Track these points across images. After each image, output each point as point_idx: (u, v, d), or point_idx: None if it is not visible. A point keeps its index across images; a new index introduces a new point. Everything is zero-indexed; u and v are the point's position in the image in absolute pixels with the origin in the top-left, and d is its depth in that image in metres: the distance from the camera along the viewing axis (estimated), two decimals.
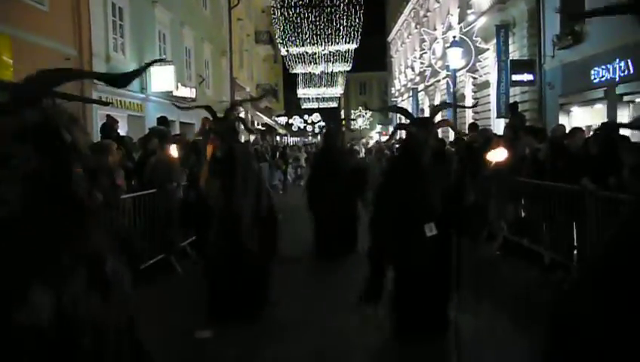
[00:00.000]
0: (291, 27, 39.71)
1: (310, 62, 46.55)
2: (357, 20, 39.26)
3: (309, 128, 53.56)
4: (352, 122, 38.85)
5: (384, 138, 33.73)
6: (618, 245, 1.69)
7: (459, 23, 21.73)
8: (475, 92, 20.06)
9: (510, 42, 16.00)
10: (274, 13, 38.83)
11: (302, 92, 53.48)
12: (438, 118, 5.01)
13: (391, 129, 32.86)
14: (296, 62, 46.02)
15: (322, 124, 48.14)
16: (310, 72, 49.41)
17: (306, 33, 40.46)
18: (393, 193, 4.59)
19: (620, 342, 1.54)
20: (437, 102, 24.62)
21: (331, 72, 49.48)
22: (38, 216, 1.56)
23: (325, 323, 5.01)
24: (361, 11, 38.54)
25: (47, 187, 1.58)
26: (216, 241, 5.03)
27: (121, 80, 1.96)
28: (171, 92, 17.05)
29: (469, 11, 20.06)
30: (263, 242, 5.16)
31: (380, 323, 4.79)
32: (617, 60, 11.38)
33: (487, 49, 18.08)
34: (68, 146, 1.69)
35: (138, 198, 6.61)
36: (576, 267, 5.88)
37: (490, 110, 17.85)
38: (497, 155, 7.79)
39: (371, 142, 33.08)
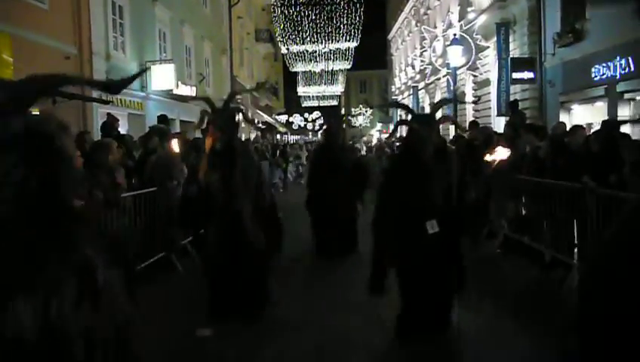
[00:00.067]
0: (291, 25, 39.75)
1: (310, 61, 46.58)
2: (357, 18, 39.31)
3: (309, 126, 53.55)
4: (353, 119, 38.85)
5: (384, 136, 33.72)
6: (618, 245, 1.69)
7: (459, 21, 21.70)
8: (475, 90, 20.05)
9: (511, 40, 15.98)
10: (274, 11, 38.84)
11: (302, 90, 53.49)
12: (438, 114, 4.96)
13: (391, 127, 32.85)
14: (296, 60, 46.04)
15: (322, 122, 48.15)
16: (310, 70, 49.43)
17: (306, 31, 40.50)
18: (395, 190, 4.55)
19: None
20: (437, 100, 24.60)
21: (332, 70, 49.50)
22: (25, 224, 1.54)
23: (325, 323, 5.00)
24: (362, 9, 38.62)
25: (35, 196, 1.57)
26: (217, 237, 4.98)
27: (112, 88, 1.94)
28: (171, 90, 17.06)
29: (469, 9, 20.04)
30: (265, 238, 5.13)
31: (382, 322, 4.79)
32: (618, 58, 11.37)
33: (488, 47, 18.06)
34: (56, 154, 1.67)
35: (138, 197, 6.60)
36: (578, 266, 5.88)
37: (490, 108, 17.84)
38: (499, 154, 7.79)
39: (374, 141, 33.06)
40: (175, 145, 7.68)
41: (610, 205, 5.18)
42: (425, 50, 28.00)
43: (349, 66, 48.08)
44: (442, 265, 4.40)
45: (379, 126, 46.97)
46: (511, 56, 15.64)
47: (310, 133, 52.36)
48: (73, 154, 1.81)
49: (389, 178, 4.92)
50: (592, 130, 8.53)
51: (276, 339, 4.63)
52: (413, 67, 32.63)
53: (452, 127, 17.22)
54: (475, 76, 19.81)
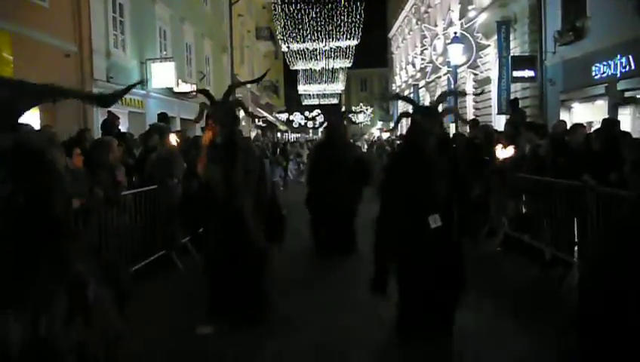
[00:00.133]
0: (292, 23, 39.65)
1: (311, 59, 46.48)
2: (358, 16, 39.18)
3: (310, 124, 53.52)
4: (353, 116, 38.77)
5: (385, 135, 33.70)
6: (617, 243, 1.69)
7: (460, 19, 21.68)
8: (475, 88, 20.04)
9: (511, 38, 15.97)
10: (275, 9, 38.76)
11: (303, 88, 53.41)
12: (440, 108, 4.91)
13: (392, 126, 32.74)
14: (297, 58, 45.95)
15: (322, 120, 48.09)
16: (311, 69, 49.33)
17: (306, 29, 40.40)
18: (397, 184, 4.48)
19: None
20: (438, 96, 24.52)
21: (332, 68, 49.39)
22: (14, 239, 1.53)
23: (325, 321, 5.00)
24: (362, 7, 38.47)
25: (23, 211, 1.56)
26: (217, 235, 4.90)
27: (101, 101, 1.94)
28: (172, 88, 17.05)
29: (470, 7, 20.02)
30: (267, 229, 5.10)
31: (382, 321, 4.79)
32: (619, 56, 11.36)
33: (488, 45, 18.05)
34: (46, 169, 1.66)
35: (139, 195, 6.60)
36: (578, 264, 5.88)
37: (490, 106, 17.84)
38: (506, 152, 7.78)
39: (376, 136, 33.00)
40: (173, 140, 7.65)
41: (611, 203, 5.18)
42: (425, 49, 27.98)
43: (349, 64, 47.99)
44: (444, 261, 4.34)
45: (379, 124, 46.94)
46: (511, 54, 15.63)
47: (311, 130, 52.31)
48: (63, 168, 1.81)
49: (391, 172, 4.84)
50: (593, 129, 8.53)
51: (276, 338, 4.63)
52: (413, 65, 32.60)
53: (452, 126, 17.23)
54: (475, 74, 19.81)
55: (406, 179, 4.38)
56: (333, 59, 46.66)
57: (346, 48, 44.34)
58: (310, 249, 7.81)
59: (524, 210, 7.84)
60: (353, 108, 47.54)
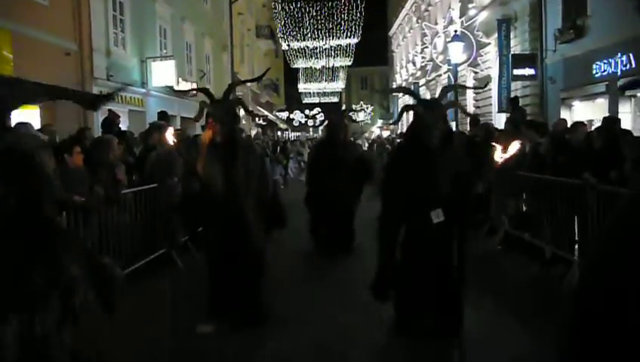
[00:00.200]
0: (292, 21, 39.66)
1: (311, 57, 46.47)
2: (358, 15, 39.18)
3: (310, 122, 53.49)
4: (354, 114, 38.75)
5: (385, 133, 33.71)
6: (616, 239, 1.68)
7: (460, 17, 21.66)
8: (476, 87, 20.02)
9: (512, 36, 15.95)
10: (275, 8, 38.77)
11: (303, 87, 53.41)
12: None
13: (394, 120, 32.83)
14: (297, 56, 45.95)
15: (322, 118, 48.11)
16: (311, 67, 49.33)
17: (307, 28, 40.42)
18: (399, 179, 4.42)
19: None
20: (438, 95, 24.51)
21: (332, 66, 49.39)
22: (5, 242, 1.53)
23: (325, 320, 4.99)
24: (362, 5, 38.47)
25: (14, 213, 1.56)
26: (217, 234, 4.88)
27: (87, 104, 1.95)
28: (172, 87, 17.05)
29: (470, 5, 20.00)
30: (269, 219, 5.08)
31: (382, 320, 4.78)
32: (619, 54, 11.35)
33: (489, 43, 18.03)
34: (36, 172, 1.67)
35: (139, 193, 6.60)
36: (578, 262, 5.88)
37: (491, 104, 17.83)
38: (511, 149, 7.76)
39: (376, 135, 32.97)
40: (169, 136, 7.62)
41: (611, 201, 5.17)
42: (426, 47, 27.95)
43: (349, 63, 47.99)
44: (446, 257, 4.32)
45: (379, 123, 46.95)
46: (512, 52, 15.61)
47: (311, 129, 52.29)
48: (51, 171, 1.83)
49: (392, 168, 4.79)
50: (593, 127, 8.52)
51: (276, 337, 4.63)
52: (414, 64, 32.58)
53: (453, 124, 17.21)
54: (476, 73, 19.78)
55: (408, 174, 4.33)
56: (334, 57, 46.66)
57: (346, 46, 44.33)
58: (309, 247, 7.81)
59: (524, 209, 7.84)
60: (353, 106, 47.56)
